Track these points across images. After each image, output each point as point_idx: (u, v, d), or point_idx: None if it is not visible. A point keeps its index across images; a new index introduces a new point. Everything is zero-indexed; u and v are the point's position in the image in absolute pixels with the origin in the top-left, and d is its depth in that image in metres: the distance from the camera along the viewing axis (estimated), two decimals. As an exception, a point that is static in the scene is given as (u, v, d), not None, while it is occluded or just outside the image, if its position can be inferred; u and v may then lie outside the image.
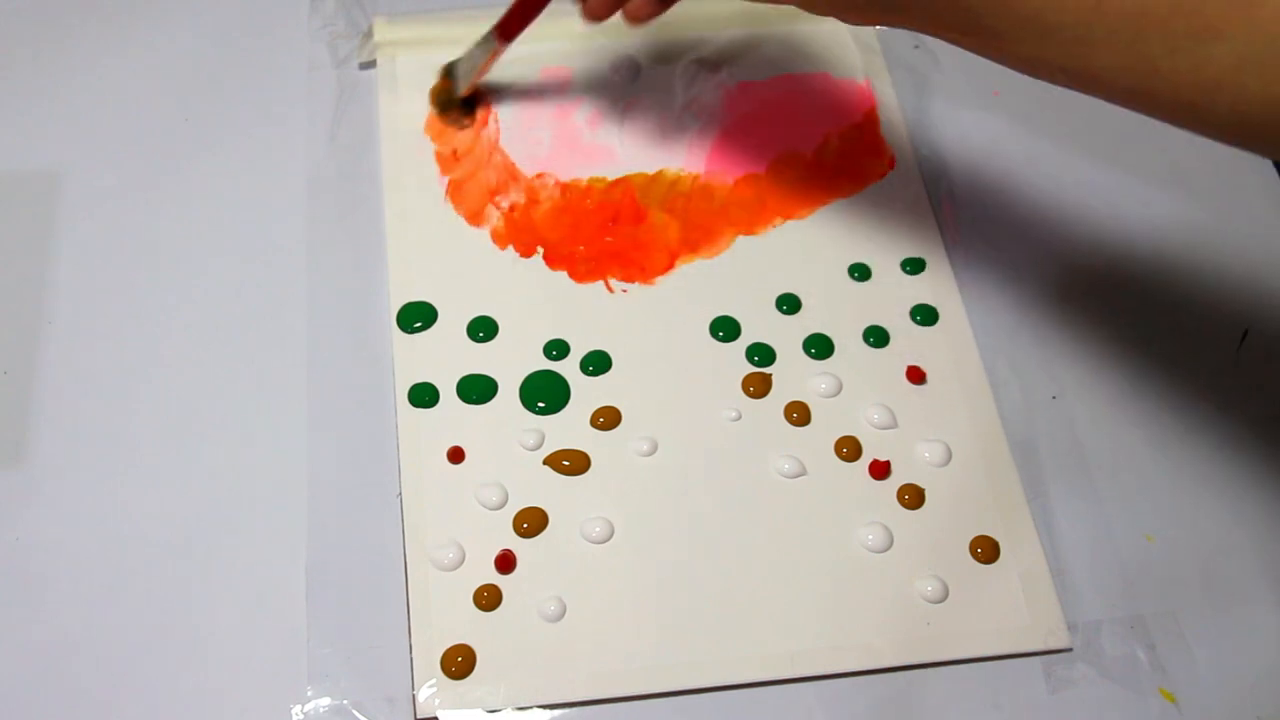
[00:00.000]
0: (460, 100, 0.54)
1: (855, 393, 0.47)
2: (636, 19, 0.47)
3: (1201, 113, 0.33)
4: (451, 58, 0.54)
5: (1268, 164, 0.55)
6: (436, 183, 0.52)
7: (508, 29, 0.50)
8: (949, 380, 0.48)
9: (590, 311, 0.49)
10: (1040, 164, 0.54)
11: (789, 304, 0.50)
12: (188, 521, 0.44)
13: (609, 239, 0.51)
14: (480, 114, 0.54)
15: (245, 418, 0.46)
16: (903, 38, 0.58)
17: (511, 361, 0.48)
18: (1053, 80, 0.36)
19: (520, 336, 0.48)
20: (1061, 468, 0.46)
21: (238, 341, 0.48)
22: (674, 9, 0.47)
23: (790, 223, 0.52)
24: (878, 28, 0.58)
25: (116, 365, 0.47)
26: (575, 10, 0.48)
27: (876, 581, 0.43)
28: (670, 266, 0.51)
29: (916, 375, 0.48)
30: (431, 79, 0.55)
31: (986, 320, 0.50)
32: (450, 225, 0.51)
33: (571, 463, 0.45)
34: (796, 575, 0.43)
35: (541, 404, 0.47)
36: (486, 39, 0.51)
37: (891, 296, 0.50)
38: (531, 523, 0.44)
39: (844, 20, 0.40)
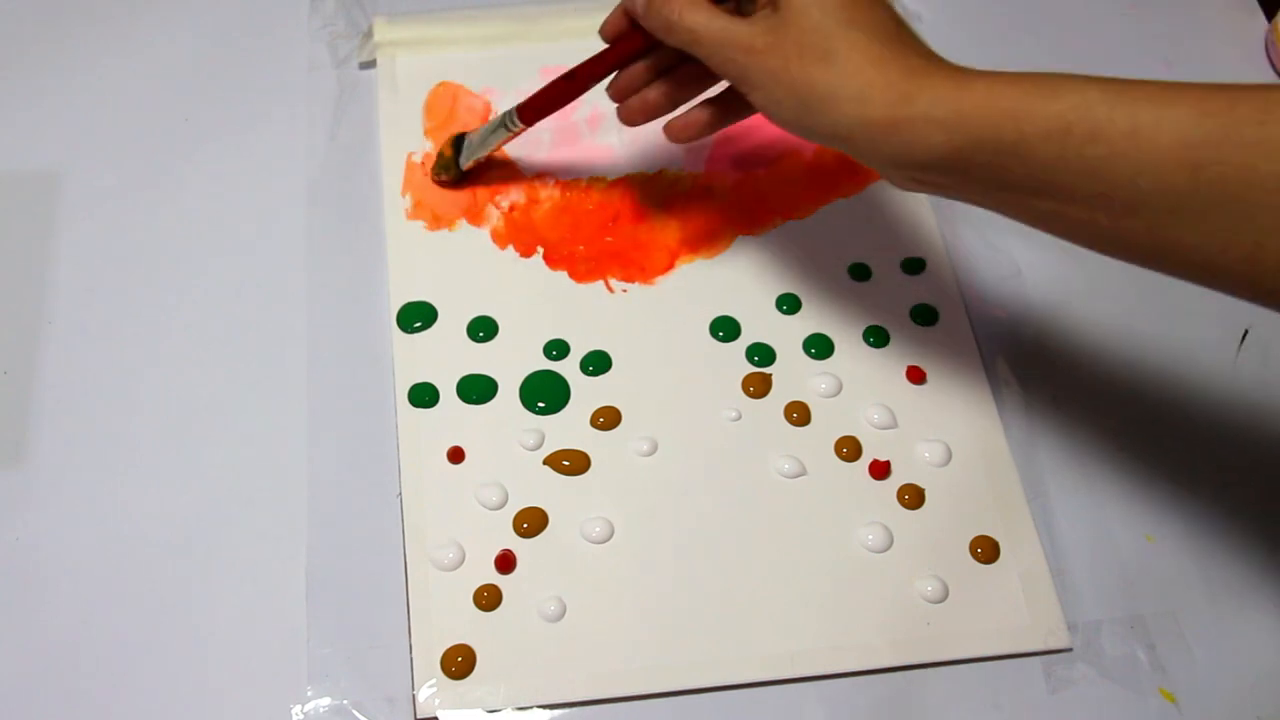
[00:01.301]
0: (457, 170, 0.51)
1: (855, 393, 0.47)
2: (681, 138, 0.43)
3: None
4: (451, 59, 0.53)
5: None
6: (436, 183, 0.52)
7: (531, 112, 0.47)
8: (949, 380, 0.48)
9: (590, 311, 0.49)
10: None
11: (789, 304, 0.50)
12: (188, 521, 0.44)
13: (609, 239, 0.51)
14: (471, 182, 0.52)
15: (245, 418, 0.46)
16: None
17: (511, 361, 0.48)
18: (1128, 257, 0.32)
19: (520, 336, 0.48)
20: (1061, 468, 0.46)
21: (238, 341, 0.48)
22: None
23: (790, 223, 0.52)
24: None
25: (116, 365, 0.47)
26: (574, 9, 0.47)
27: (876, 581, 0.43)
28: (670, 266, 0.51)
29: (916, 375, 0.48)
30: (431, 80, 0.55)
31: (986, 320, 0.50)
32: (450, 225, 0.51)
33: (571, 463, 0.45)
34: (796, 575, 0.43)
35: (541, 404, 0.47)
36: (507, 119, 0.48)
37: (891, 296, 0.50)
38: (531, 523, 0.44)
39: (893, 183, 0.36)
